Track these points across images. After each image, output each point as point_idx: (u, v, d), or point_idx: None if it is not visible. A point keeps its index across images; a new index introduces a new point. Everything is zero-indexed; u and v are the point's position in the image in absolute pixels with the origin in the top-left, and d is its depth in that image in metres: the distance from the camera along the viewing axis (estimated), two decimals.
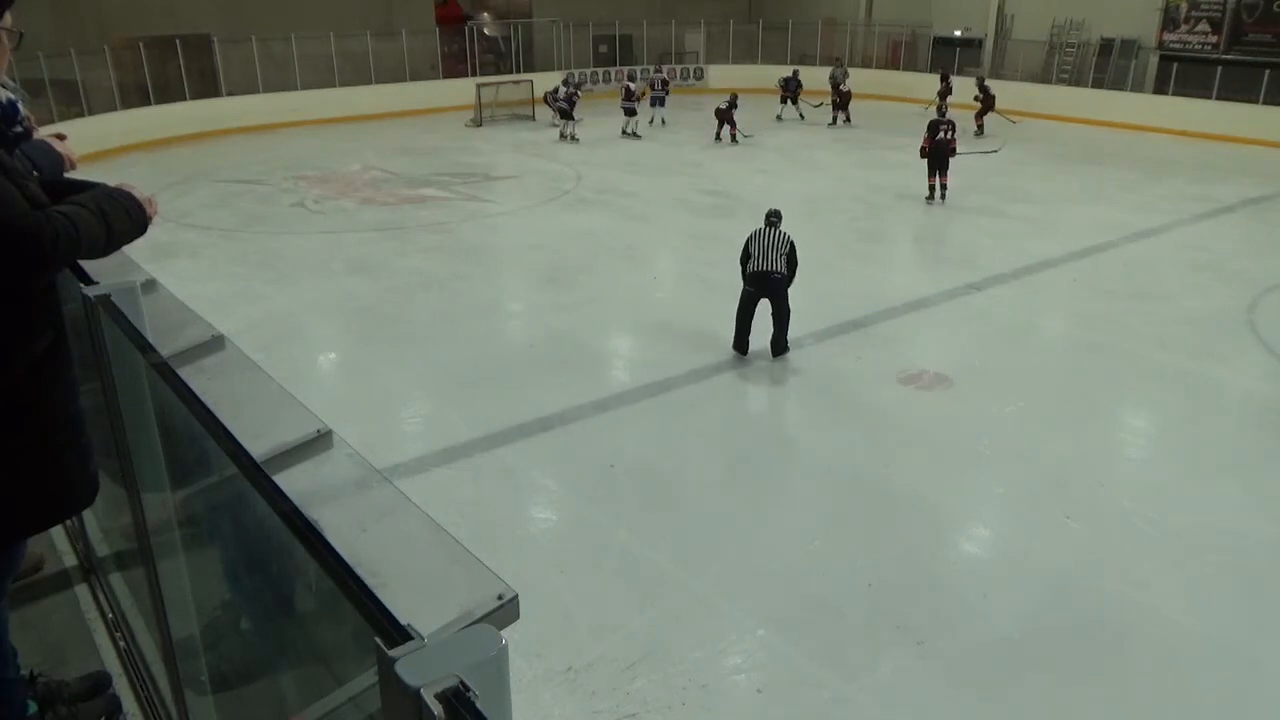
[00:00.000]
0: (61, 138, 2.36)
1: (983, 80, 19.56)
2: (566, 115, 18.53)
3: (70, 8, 18.37)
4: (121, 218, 1.83)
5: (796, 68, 22.19)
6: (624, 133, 18.90)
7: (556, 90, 20.83)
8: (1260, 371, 7.69)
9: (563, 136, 18.63)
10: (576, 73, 24.17)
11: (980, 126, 18.96)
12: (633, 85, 19.17)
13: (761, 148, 17.82)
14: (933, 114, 13.57)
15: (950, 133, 12.78)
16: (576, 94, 18.93)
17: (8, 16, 1.82)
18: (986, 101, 19.04)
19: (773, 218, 7.63)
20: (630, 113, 18.81)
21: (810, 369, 7.60)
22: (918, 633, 4.41)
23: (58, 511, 2.05)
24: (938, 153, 12.81)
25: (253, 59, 19.86)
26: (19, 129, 2.22)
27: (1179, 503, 5.61)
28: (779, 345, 7.63)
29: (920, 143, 13.03)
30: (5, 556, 2.05)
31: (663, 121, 20.02)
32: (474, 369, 7.53)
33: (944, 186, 13.09)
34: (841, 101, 20.35)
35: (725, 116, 18.04)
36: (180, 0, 19.91)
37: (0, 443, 1.76)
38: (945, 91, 19.25)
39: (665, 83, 20.46)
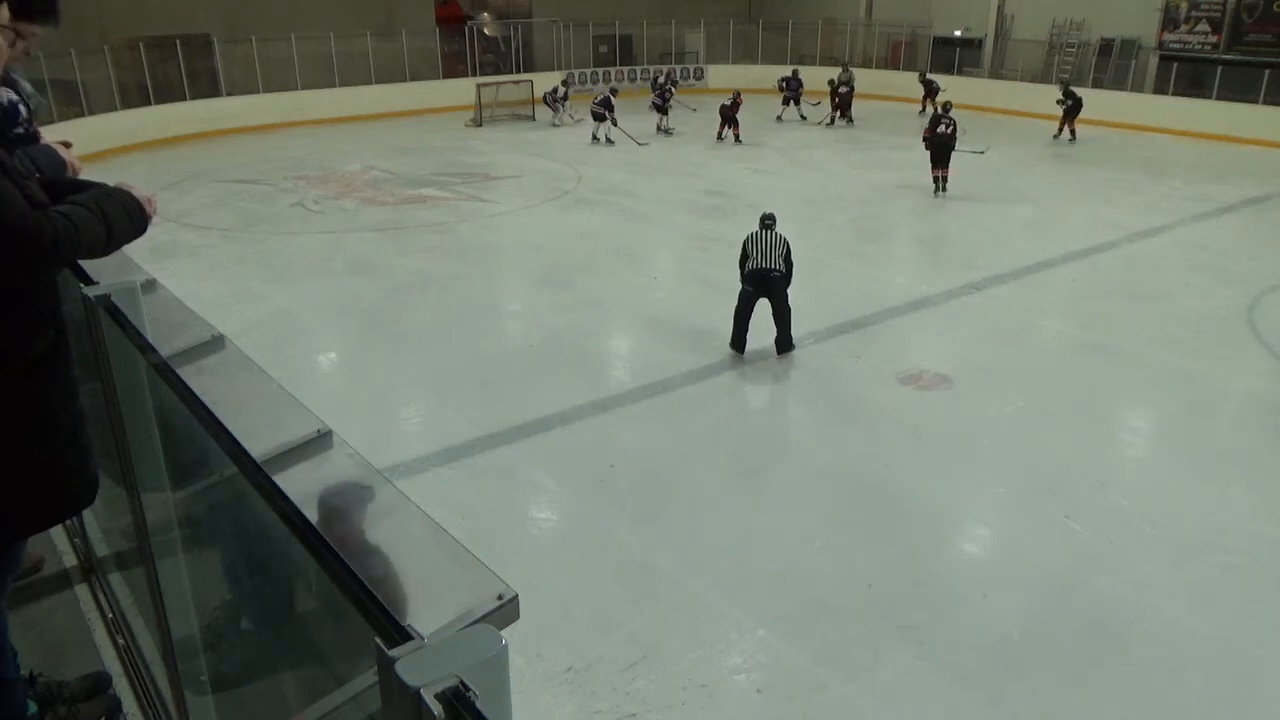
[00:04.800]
0: (67, 145, 2.35)
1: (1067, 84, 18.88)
2: (600, 119, 17.78)
3: (70, 8, 18.23)
4: (121, 218, 1.83)
5: (796, 68, 22.16)
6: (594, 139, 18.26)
7: (555, 90, 20.86)
8: (1260, 371, 7.69)
9: (608, 140, 17.93)
10: (575, 73, 24.21)
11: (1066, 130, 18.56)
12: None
13: (762, 148, 17.82)
14: (933, 111, 13.96)
15: (950, 128, 13.16)
16: (611, 95, 18.07)
17: (4, 11, 1.81)
18: (1075, 107, 18.32)
19: (767, 220, 7.65)
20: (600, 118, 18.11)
21: (810, 369, 7.60)
22: (918, 633, 4.41)
23: (58, 512, 2.05)
24: (940, 145, 13.25)
25: (253, 59, 19.86)
26: (20, 130, 2.22)
27: (1179, 503, 5.61)
28: (784, 344, 7.64)
29: (921, 133, 13.61)
30: (5, 556, 2.05)
31: (607, 139, 18.08)
32: (474, 369, 7.53)
33: (944, 178, 13.52)
34: (841, 102, 20.47)
35: (728, 115, 18.03)
36: (180, 0, 19.92)
37: (0, 442, 1.76)
38: (933, 93, 19.73)
39: (608, 100, 18.02)
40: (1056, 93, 18.60)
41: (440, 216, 12.65)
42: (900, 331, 8.44)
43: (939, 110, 13.70)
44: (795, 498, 5.76)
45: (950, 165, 13.40)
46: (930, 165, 13.49)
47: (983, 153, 15.12)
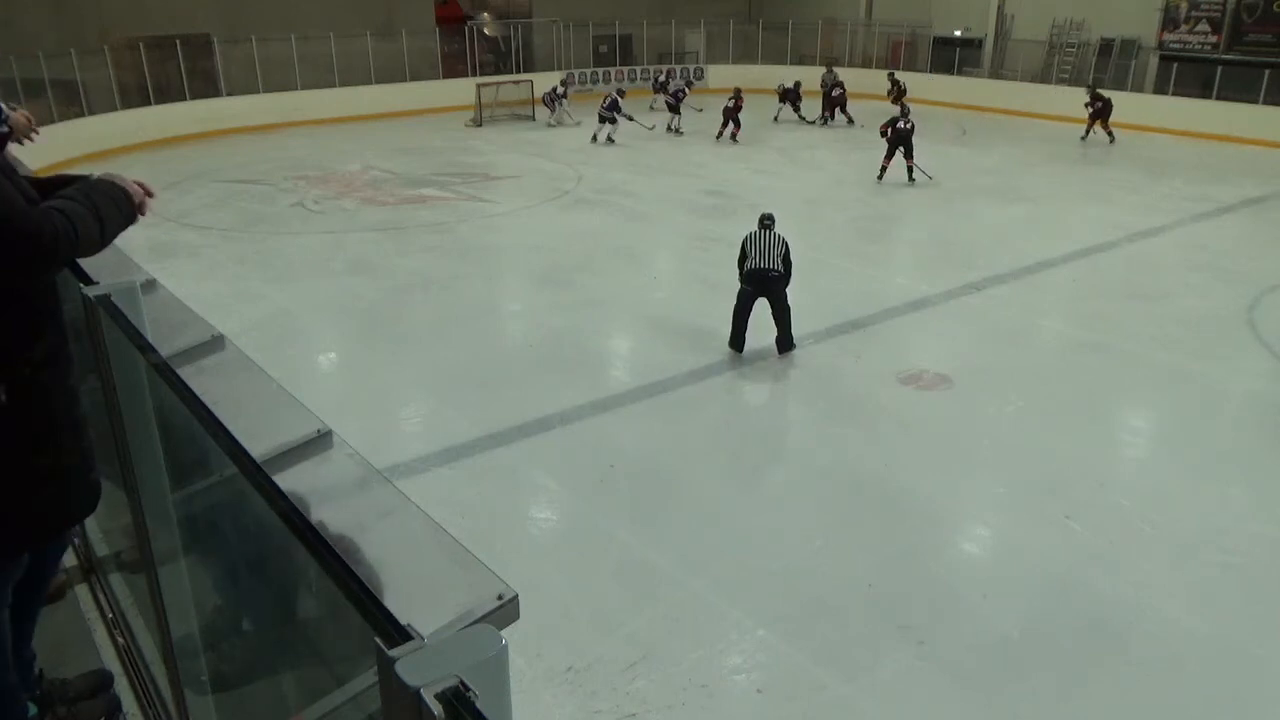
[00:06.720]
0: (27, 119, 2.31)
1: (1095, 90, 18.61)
2: (606, 119, 17.98)
3: (70, 8, 18.37)
4: (111, 210, 1.81)
5: (799, 80, 21.71)
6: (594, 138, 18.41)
7: (554, 90, 20.86)
8: (1260, 371, 7.69)
9: (609, 140, 18.08)
10: (575, 73, 24.19)
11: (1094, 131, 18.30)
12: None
13: (762, 147, 17.82)
14: (894, 110, 15.05)
15: (908, 123, 14.28)
16: (618, 97, 18.27)
17: None
18: (1104, 109, 18.02)
19: (766, 220, 7.67)
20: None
21: (810, 369, 7.60)
22: (918, 633, 4.41)
23: (60, 521, 2.03)
24: (901, 139, 14.21)
25: (253, 59, 19.86)
26: (4, 129, 2.19)
27: (1179, 503, 5.61)
28: (785, 343, 7.64)
29: (880, 124, 14.62)
30: (6, 562, 2.04)
31: (609, 139, 18.18)
32: (474, 369, 7.53)
33: (910, 169, 14.47)
34: (832, 103, 20.49)
35: (730, 114, 18.03)
36: (180, 0, 19.92)
37: (1, 450, 1.75)
38: (900, 92, 20.16)
39: (616, 103, 18.32)
40: (1084, 96, 18.55)
41: (440, 216, 12.65)
42: (900, 331, 8.44)
43: (901, 107, 14.83)
44: (795, 498, 5.76)
45: (915, 155, 14.43)
46: (886, 155, 14.35)
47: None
